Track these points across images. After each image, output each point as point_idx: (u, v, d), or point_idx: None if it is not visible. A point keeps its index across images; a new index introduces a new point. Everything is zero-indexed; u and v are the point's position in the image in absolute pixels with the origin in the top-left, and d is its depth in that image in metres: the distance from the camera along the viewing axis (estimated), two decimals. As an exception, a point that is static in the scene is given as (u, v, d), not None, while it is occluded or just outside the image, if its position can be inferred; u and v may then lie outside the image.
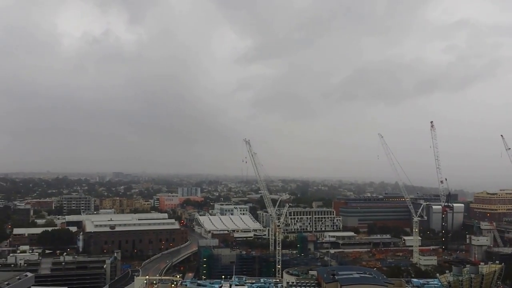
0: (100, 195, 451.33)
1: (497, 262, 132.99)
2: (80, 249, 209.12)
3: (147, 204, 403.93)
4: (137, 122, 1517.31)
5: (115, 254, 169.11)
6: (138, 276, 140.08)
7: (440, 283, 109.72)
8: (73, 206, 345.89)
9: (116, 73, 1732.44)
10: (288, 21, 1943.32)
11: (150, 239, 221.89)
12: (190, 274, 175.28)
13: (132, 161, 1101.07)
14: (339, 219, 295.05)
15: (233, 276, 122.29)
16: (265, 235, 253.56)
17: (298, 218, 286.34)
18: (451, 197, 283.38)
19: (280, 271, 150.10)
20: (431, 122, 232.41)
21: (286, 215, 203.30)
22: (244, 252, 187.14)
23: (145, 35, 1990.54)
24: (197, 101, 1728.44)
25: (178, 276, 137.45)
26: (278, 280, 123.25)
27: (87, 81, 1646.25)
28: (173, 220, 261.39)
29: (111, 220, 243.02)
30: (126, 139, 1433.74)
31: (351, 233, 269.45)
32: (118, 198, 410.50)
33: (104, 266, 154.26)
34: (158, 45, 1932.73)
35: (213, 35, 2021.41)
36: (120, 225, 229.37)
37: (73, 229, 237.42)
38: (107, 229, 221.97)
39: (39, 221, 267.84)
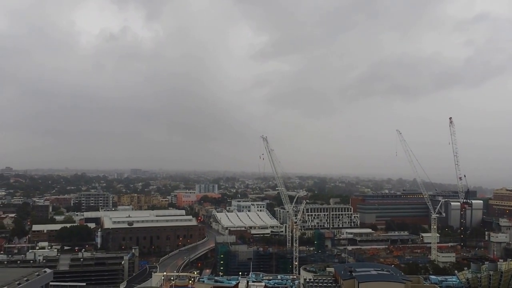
0: (118, 192, 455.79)
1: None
2: (98, 245, 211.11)
3: (165, 200, 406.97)
4: (154, 120, 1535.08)
5: (133, 251, 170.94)
6: (156, 272, 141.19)
7: (458, 280, 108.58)
8: (92, 203, 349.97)
9: (134, 71, 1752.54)
10: (304, 17, 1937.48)
11: (167, 235, 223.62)
12: (207, 271, 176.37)
13: (150, 158, 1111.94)
14: (357, 216, 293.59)
15: (250, 273, 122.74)
16: (282, 231, 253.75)
17: (315, 214, 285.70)
18: (470, 193, 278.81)
19: (297, 267, 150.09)
20: (450, 118, 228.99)
21: (303, 211, 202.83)
22: (261, 249, 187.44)
23: (162, 32, 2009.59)
24: (214, 98, 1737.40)
25: (195, 273, 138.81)
26: (295, 276, 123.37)
27: (105, 79, 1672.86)
28: (190, 217, 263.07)
29: (129, 216, 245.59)
30: (144, 136, 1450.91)
31: (369, 230, 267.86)
32: (136, 194, 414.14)
33: (122, 262, 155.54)
34: (175, 42, 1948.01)
35: (230, 31, 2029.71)
36: (138, 221, 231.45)
37: (91, 225, 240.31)
38: (125, 225, 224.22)
39: (58, 218, 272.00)
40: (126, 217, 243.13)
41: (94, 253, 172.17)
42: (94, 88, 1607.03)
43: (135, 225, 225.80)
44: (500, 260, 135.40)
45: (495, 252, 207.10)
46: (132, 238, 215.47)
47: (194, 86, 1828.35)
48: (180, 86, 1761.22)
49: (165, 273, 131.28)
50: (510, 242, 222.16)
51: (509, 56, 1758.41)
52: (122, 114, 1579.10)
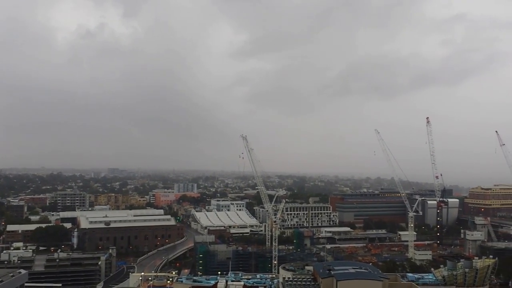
0: (95, 191, 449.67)
1: (491, 256, 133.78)
2: (75, 246, 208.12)
3: (143, 200, 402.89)
4: (132, 117, 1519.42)
5: (110, 251, 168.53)
6: (134, 272, 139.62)
7: (434, 278, 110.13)
8: (68, 203, 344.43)
9: (112, 67, 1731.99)
10: (284, 15, 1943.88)
11: (145, 235, 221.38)
12: (186, 271, 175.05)
13: (128, 157, 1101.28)
14: (336, 215, 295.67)
15: (229, 272, 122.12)
16: (261, 230, 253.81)
17: (294, 213, 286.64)
18: (446, 192, 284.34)
19: (277, 266, 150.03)
20: (427, 118, 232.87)
21: (282, 210, 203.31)
22: (240, 248, 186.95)
23: (141, 29, 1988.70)
24: (193, 96, 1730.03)
25: (173, 273, 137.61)
26: (274, 275, 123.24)
27: (82, 76, 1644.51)
28: (169, 216, 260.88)
29: (106, 216, 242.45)
30: (122, 134, 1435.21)
31: (347, 229, 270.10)
32: (113, 194, 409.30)
33: (99, 263, 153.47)
34: (154, 39, 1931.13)
35: (209, 29, 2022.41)
36: (115, 221, 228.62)
37: (68, 225, 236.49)
38: (102, 225, 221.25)
39: (33, 218, 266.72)
40: (103, 217, 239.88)
41: (70, 253, 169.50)
42: (70, 84, 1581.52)
43: (112, 225, 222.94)
44: (475, 257, 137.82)
45: (470, 250, 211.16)
46: (109, 238, 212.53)
47: (173, 84, 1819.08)
48: (159, 83, 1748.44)
49: (143, 273, 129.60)
50: (485, 240, 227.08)
51: (485, 56, 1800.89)
52: (100, 112, 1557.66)
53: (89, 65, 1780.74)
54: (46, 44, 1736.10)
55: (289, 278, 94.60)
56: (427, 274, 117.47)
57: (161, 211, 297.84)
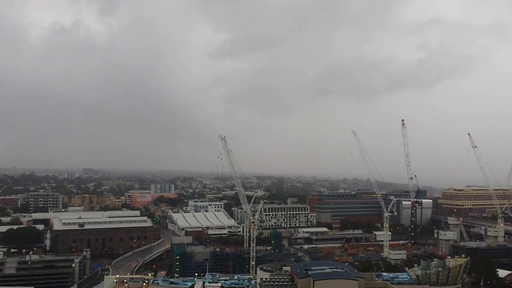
0: (69, 192, 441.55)
1: (463, 256, 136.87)
2: (47, 248, 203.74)
3: (118, 201, 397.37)
4: (108, 116, 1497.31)
5: (84, 253, 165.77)
6: (108, 275, 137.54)
7: (409, 277, 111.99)
8: (40, 204, 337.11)
9: (87, 65, 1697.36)
10: (263, 16, 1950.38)
11: (121, 237, 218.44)
12: (162, 272, 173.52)
13: (103, 157, 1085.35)
14: (313, 215, 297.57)
15: (207, 274, 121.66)
16: (239, 231, 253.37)
17: (272, 214, 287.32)
18: (420, 193, 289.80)
19: (254, 267, 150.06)
20: (402, 120, 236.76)
21: (261, 211, 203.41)
22: (218, 249, 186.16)
23: (117, 27, 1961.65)
24: (171, 95, 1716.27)
25: (150, 275, 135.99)
26: (252, 276, 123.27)
27: (56, 73, 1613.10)
28: (145, 218, 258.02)
29: (80, 218, 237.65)
30: (97, 133, 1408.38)
31: (325, 229, 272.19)
32: (87, 195, 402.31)
33: (73, 265, 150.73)
34: (131, 37, 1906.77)
35: (188, 28, 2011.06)
36: (89, 223, 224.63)
37: (40, 227, 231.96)
38: (76, 227, 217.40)
39: (4, 219, 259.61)
40: (77, 218, 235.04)
41: (42, 256, 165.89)
42: (44, 82, 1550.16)
43: (87, 226, 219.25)
44: (448, 257, 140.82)
45: (443, 249, 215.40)
46: (83, 240, 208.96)
47: (150, 82, 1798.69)
48: (135, 82, 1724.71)
49: (118, 275, 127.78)
50: (458, 240, 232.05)
51: (460, 59, 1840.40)
52: (74, 110, 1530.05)
53: (64, 62, 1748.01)
54: (19, 42, 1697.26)
55: (266, 278, 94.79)
56: (401, 273, 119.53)
57: (137, 212, 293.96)
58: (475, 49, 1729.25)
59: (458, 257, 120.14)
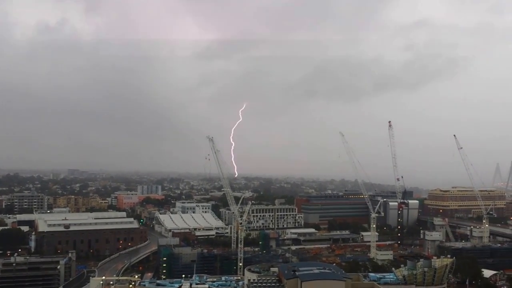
0: (54, 193, 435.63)
1: (449, 256, 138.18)
2: (32, 250, 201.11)
3: (105, 202, 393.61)
4: (94, 116, 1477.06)
5: (70, 255, 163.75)
6: (94, 276, 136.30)
7: (395, 277, 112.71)
8: (25, 205, 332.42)
9: (73, 64, 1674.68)
10: (251, 16, 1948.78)
11: (107, 238, 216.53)
12: (149, 274, 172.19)
13: (89, 158, 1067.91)
14: (301, 216, 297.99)
15: (194, 275, 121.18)
16: (227, 233, 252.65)
17: (260, 215, 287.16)
18: (407, 194, 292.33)
19: (242, 268, 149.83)
20: (389, 122, 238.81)
21: (248, 212, 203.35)
22: (205, 251, 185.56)
23: (103, 26, 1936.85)
24: (158, 95, 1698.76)
25: (136, 276, 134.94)
26: (239, 277, 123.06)
27: (41, 74, 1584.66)
28: (131, 219, 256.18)
29: (66, 219, 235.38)
30: (83, 134, 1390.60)
31: (312, 230, 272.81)
32: (73, 196, 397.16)
33: (58, 267, 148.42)
34: (116, 36, 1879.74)
35: (175, 27, 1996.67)
36: (75, 224, 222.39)
37: (25, 228, 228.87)
38: (61, 228, 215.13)
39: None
40: (62, 219, 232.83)
41: (27, 257, 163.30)
42: (28, 81, 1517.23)
43: (72, 228, 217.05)
44: (434, 257, 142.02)
45: (429, 250, 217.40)
46: (69, 242, 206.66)
47: (137, 82, 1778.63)
48: (121, 82, 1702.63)
49: (104, 277, 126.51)
50: (443, 240, 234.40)
51: (445, 60, 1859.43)
52: (59, 110, 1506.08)
53: (49, 61, 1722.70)
54: (3, 40, 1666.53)
55: (254, 280, 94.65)
56: (388, 274, 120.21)
57: (124, 214, 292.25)
58: (460, 51, 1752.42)
59: (444, 258, 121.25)
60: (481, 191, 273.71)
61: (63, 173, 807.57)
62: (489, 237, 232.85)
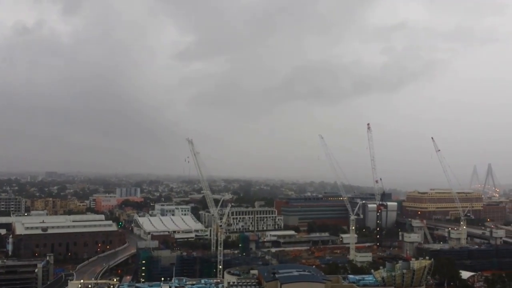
0: (32, 196, 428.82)
1: (427, 257, 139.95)
2: (10, 253, 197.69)
3: (83, 205, 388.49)
4: (72, 118, 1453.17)
5: (48, 258, 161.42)
6: (72, 280, 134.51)
7: (374, 279, 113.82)
8: (2, 208, 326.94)
9: (51, 65, 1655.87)
10: (230, 18, 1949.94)
11: (85, 241, 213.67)
12: (128, 277, 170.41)
13: (67, 160, 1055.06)
14: (281, 218, 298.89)
15: (173, 278, 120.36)
16: (207, 235, 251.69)
17: (240, 217, 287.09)
18: (386, 196, 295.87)
19: (222, 271, 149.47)
20: (368, 124, 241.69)
21: (228, 215, 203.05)
22: (184, 253, 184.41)
23: (81, 26, 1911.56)
24: (137, 97, 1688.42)
25: (115, 280, 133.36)
26: (219, 280, 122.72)
27: (18, 75, 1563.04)
28: (110, 222, 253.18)
29: (43, 222, 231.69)
30: (60, 136, 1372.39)
31: (292, 232, 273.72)
32: (51, 199, 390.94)
33: (36, 270, 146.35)
34: (95, 37, 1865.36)
35: (155, 28, 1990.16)
36: (53, 227, 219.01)
37: (2, 231, 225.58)
38: (39, 231, 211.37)
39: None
40: (40, 222, 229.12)
41: (4, 261, 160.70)
42: (5, 83, 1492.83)
43: (50, 231, 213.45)
44: (412, 259, 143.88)
45: (408, 252, 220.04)
46: (47, 245, 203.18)
47: (115, 84, 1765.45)
48: (100, 84, 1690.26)
49: (82, 280, 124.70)
50: (422, 242, 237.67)
51: (424, 63, 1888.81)
52: (37, 112, 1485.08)
53: (26, 64, 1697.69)
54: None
55: (234, 282, 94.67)
56: (367, 276, 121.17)
57: (102, 217, 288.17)
58: (439, 54, 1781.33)
59: (422, 259, 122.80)
60: (459, 193, 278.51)
61: (40, 176, 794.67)
62: (466, 238, 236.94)
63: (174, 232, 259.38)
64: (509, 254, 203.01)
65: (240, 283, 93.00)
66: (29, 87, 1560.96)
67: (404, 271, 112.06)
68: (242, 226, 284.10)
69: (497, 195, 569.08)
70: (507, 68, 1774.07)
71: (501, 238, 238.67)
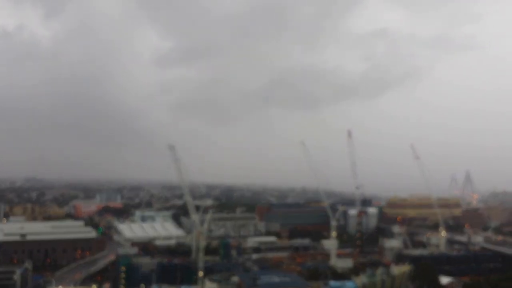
0: (10, 202, 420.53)
1: (407, 263, 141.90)
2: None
3: (62, 211, 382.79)
4: (52, 123, 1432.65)
5: (26, 264, 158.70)
6: (51, 287, 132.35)
7: (355, 285, 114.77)
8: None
9: (30, 70, 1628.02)
10: (211, 24, 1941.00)
11: (64, 248, 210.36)
12: (107, 285, 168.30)
13: (46, 165, 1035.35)
14: (262, 224, 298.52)
15: (153, 285, 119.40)
16: (187, 242, 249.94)
17: (221, 224, 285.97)
18: (366, 202, 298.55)
19: (203, 278, 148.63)
20: (348, 131, 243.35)
21: (209, 221, 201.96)
22: (165, 260, 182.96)
23: (62, 31, 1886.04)
24: (117, 102, 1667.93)
25: (94, 287, 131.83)
26: (200, 287, 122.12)
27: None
28: (89, 228, 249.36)
29: (22, 228, 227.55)
30: (40, 141, 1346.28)
31: (273, 238, 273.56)
32: (30, 204, 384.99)
33: (14, 277, 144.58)
34: (75, 42, 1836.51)
35: (134, 34, 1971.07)
36: (31, 233, 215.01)
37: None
38: (17, 238, 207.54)
39: None
40: (19, 228, 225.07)
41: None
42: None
43: (29, 237, 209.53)
44: (392, 264, 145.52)
45: (388, 257, 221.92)
46: (25, 252, 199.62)
47: (95, 89, 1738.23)
48: (80, 88, 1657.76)
49: (61, 287, 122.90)
50: (402, 248, 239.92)
51: (404, 70, 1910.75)
52: (16, 117, 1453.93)
53: (5, 68, 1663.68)
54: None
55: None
56: (348, 281, 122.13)
57: (81, 223, 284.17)
58: (419, 61, 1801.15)
59: (402, 265, 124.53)
60: (439, 199, 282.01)
61: (19, 181, 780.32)
62: (445, 244, 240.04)
63: (155, 238, 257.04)
64: (487, 259, 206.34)
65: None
66: (7, 92, 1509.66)
67: (385, 276, 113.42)
68: (224, 232, 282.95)
69: (475, 201, 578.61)
70: (486, 74, 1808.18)
71: (479, 243, 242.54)
